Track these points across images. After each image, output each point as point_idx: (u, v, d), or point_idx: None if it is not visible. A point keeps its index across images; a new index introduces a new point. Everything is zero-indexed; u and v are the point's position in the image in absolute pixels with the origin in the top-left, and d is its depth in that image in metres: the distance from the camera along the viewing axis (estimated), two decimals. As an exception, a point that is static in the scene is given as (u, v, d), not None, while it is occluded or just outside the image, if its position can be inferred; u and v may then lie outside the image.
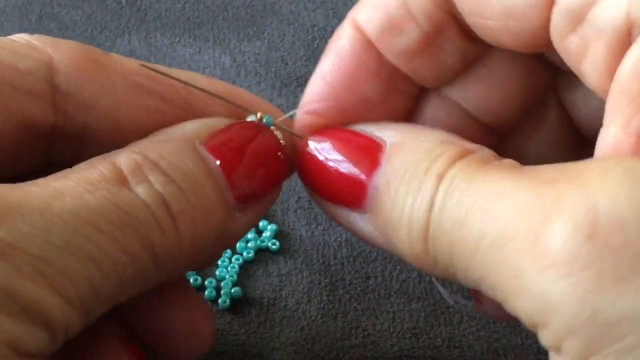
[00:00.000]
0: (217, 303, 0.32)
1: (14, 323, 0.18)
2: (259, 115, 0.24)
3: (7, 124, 0.22)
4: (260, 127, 0.24)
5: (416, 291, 0.33)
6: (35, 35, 0.24)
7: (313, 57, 0.41)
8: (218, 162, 0.22)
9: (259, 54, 0.41)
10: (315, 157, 0.23)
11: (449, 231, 0.20)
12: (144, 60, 0.25)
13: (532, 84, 0.25)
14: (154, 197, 0.21)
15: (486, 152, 0.21)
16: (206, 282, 0.33)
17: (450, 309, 0.33)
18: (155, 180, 0.21)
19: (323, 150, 0.23)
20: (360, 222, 0.22)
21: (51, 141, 0.23)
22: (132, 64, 0.24)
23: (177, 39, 0.41)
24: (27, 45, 0.23)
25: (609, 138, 0.19)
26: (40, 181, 0.20)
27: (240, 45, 0.41)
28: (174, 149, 0.22)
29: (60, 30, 0.41)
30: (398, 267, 0.34)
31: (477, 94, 0.24)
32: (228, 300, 0.32)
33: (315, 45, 0.41)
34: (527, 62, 0.24)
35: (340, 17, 0.42)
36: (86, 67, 0.23)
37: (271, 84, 0.40)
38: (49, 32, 0.41)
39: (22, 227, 0.19)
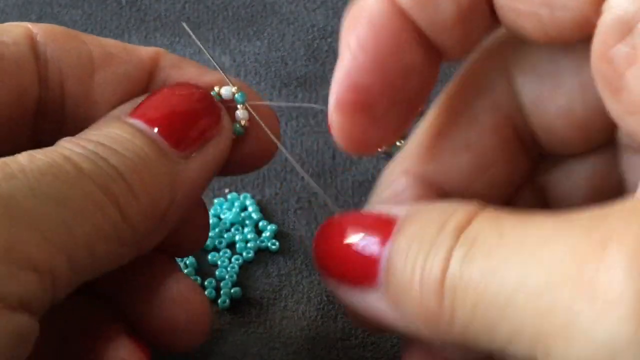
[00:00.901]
0: (217, 303, 0.32)
1: None
2: (233, 89, 0.26)
3: (1, 94, 0.24)
4: (178, 85, 0.26)
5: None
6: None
7: (313, 57, 0.41)
8: (143, 123, 0.24)
9: (258, 53, 0.41)
10: (328, 238, 0.23)
11: (474, 285, 0.19)
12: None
13: (512, 168, 0.25)
14: (95, 156, 0.22)
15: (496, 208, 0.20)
16: (206, 282, 0.33)
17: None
18: (98, 150, 0.23)
19: (334, 232, 0.23)
20: (375, 301, 0.21)
21: (36, 118, 0.25)
22: (109, 40, 0.26)
23: (177, 38, 0.41)
24: (9, 24, 0.25)
25: None
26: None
27: (240, 45, 0.41)
28: (104, 126, 0.24)
29: (60, 30, 0.41)
30: (398, 268, 0.34)
31: (457, 174, 0.24)
32: (228, 301, 0.32)
33: (315, 45, 0.41)
34: (510, 146, 0.24)
35: (340, 17, 0.42)
36: (63, 38, 0.25)
37: (271, 83, 0.40)
38: (49, 32, 0.41)
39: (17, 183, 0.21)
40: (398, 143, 0.38)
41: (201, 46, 0.28)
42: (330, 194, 0.36)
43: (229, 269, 0.33)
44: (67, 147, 0.22)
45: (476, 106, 0.24)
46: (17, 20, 0.42)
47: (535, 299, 0.17)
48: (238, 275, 0.33)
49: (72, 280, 0.21)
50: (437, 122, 0.25)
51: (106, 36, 0.41)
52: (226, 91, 0.26)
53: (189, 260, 0.33)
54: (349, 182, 0.36)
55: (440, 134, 0.24)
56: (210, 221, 0.35)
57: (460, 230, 0.19)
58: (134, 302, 0.26)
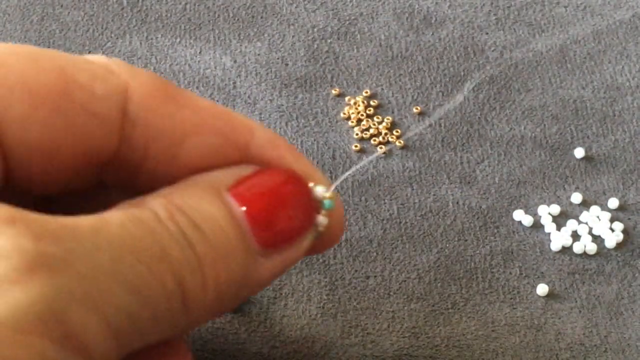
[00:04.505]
0: (218, 302, 0.32)
1: (55, 350, 0.18)
2: (327, 193, 0.24)
3: (71, 145, 0.22)
4: (288, 174, 0.24)
5: (415, 291, 0.33)
6: (113, 58, 0.24)
7: (313, 57, 0.41)
8: (242, 208, 0.22)
9: (259, 54, 0.41)
10: None
11: None
12: (145, 60, 0.25)
13: None
14: (183, 237, 0.21)
15: None
16: (207, 282, 0.33)
17: (450, 309, 0.33)
18: (182, 223, 0.21)
19: None
20: None
21: (107, 165, 0.24)
22: (205, 102, 0.24)
23: (178, 39, 0.42)
24: (105, 69, 0.23)
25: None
26: (87, 215, 0.21)
27: (240, 46, 0.41)
28: (198, 195, 0.22)
29: (61, 31, 0.42)
30: (397, 268, 0.34)
31: None
32: (228, 300, 0.32)
33: (316, 46, 0.41)
34: None
35: (340, 18, 0.43)
36: (159, 99, 0.23)
37: (271, 84, 0.40)
38: (51, 33, 0.41)
39: (73, 245, 0.19)
40: (397, 143, 0.38)
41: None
42: (330, 193, 0.36)
43: (229, 268, 0.33)
44: (157, 212, 0.21)
45: None
46: (18, 21, 0.42)
47: None
48: (239, 274, 0.34)
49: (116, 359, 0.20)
50: None
51: (108, 37, 0.42)
52: (319, 192, 0.24)
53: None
54: (348, 182, 0.37)
55: None
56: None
57: None
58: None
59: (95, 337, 0.19)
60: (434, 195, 0.36)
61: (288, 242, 0.23)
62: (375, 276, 0.34)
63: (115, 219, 0.20)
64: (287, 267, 0.24)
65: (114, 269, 0.19)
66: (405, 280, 0.34)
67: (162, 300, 0.20)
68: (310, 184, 0.24)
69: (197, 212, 0.22)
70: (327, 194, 0.24)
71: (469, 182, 0.37)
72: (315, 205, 0.24)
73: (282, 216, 0.23)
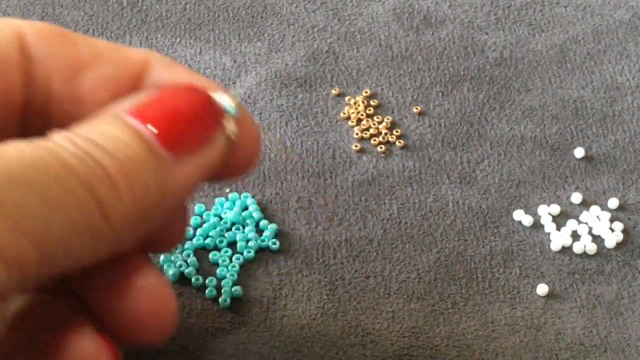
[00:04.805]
0: (218, 302, 0.33)
1: None
2: (228, 98, 0.25)
3: None
4: (187, 86, 0.25)
5: (415, 291, 0.33)
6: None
7: (313, 57, 0.41)
8: (144, 123, 0.24)
9: (259, 54, 0.41)
10: None
11: None
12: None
13: None
14: (85, 154, 0.22)
15: None
16: (207, 282, 0.33)
17: (450, 309, 0.33)
18: (82, 144, 0.22)
19: None
20: None
21: (23, 118, 0.25)
22: (99, 40, 0.26)
23: (178, 39, 0.42)
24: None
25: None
26: None
27: (240, 46, 0.41)
28: (98, 122, 0.24)
29: (61, 31, 0.42)
30: (397, 268, 0.34)
31: None
32: (228, 300, 0.33)
33: (315, 46, 0.41)
34: None
35: (340, 18, 0.43)
36: (53, 39, 0.25)
37: (271, 84, 0.40)
38: (51, 33, 0.41)
39: None
40: (397, 143, 0.38)
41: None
42: (330, 193, 0.36)
43: (229, 268, 0.34)
44: (56, 141, 0.22)
45: None
46: (19, 21, 0.42)
47: None
48: (239, 274, 0.34)
49: (42, 272, 0.21)
50: None
51: (108, 37, 0.42)
52: (220, 99, 0.25)
53: (191, 260, 0.34)
54: (348, 182, 0.37)
55: None
56: (212, 221, 0.35)
57: None
58: (99, 296, 0.25)
59: (10, 243, 0.20)
60: (434, 195, 0.36)
61: (197, 145, 0.24)
62: (375, 276, 0.34)
63: (12, 145, 0.21)
64: (205, 171, 0.25)
65: (18, 182, 0.21)
66: (405, 280, 0.34)
67: (75, 208, 0.21)
68: (212, 94, 0.25)
69: (98, 134, 0.23)
70: (230, 100, 0.25)
71: (469, 182, 0.37)
72: (218, 111, 0.25)
73: (186, 121, 0.24)
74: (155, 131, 0.23)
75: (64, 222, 0.21)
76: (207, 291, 0.33)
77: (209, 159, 0.25)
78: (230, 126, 0.25)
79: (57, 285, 0.26)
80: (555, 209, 0.36)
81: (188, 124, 0.24)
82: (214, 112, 0.25)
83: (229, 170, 0.26)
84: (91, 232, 0.22)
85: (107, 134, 0.23)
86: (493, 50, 0.42)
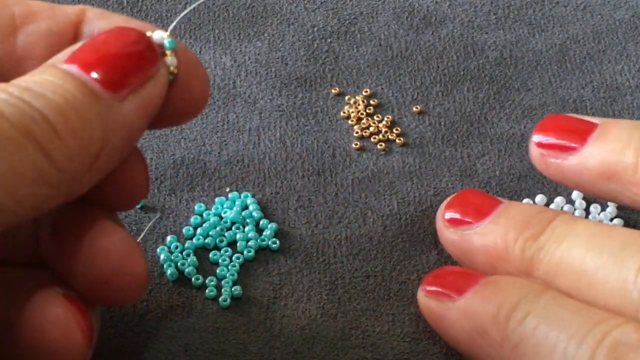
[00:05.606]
0: (218, 302, 0.32)
1: None
2: (165, 35, 0.26)
3: None
4: (119, 27, 0.25)
5: (415, 294, 0.33)
6: None
7: (313, 57, 0.41)
8: (78, 67, 0.24)
9: (259, 54, 0.41)
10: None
11: None
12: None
13: None
14: (15, 99, 0.22)
15: None
16: (207, 281, 0.33)
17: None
18: (13, 90, 0.23)
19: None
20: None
21: None
22: (33, 1, 0.26)
23: (178, 39, 0.41)
24: None
25: None
26: None
27: (240, 45, 0.41)
28: (34, 74, 0.24)
29: (61, 31, 0.42)
30: (397, 268, 0.34)
31: None
32: (229, 299, 0.32)
33: (315, 45, 0.41)
34: None
35: (340, 17, 0.43)
36: None
37: (271, 84, 0.40)
38: (50, 33, 0.41)
39: None
40: (397, 140, 0.38)
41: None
42: (330, 191, 0.36)
43: (229, 267, 0.33)
44: None
45: None
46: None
47: None
48: (239, 274, 0.33)
49: None
50: None
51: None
52: (157, 36, 0.26)
53: (191, 259, 0.34)
54: (348, 180, 0.36)
55: None
56: (212, 220, 0.35)
57: None
58: (65, 260, 0.26)
59: None
60: (434, 188, 0.36)
61: (136, 81, 0.24)
62: (375, 276, 0.34)
63: None
64: (150, 105, 0.25)
65: None
66: (405, 282, 0.33)
67: (14, 152, 0.21)
68: (148, 33, 0.26)
69: (33, 83, 0.23)
70: (165, 35, 0.26)
71: (469, 175, 0.37)
72: (154, 45, 0.25)
73: (121, 59, 0.24)
74: (94, 74, 0.24)
75: (5, 168, 0.21)
76: (207, 291, 0.33)
77: (152, 94, 0.25)
78: (169, 60, 0.26)
79: (25, 259, 0.26)
80: (556, 205, 0.36)
81: (123, 61, 0.24)
82: (149, 48, 0.25)
83: (181, 107, 0.27)
84: (38, 176, 0.22)
85: (43, 81, 0.23)
86: (493, 50, 0.41)
